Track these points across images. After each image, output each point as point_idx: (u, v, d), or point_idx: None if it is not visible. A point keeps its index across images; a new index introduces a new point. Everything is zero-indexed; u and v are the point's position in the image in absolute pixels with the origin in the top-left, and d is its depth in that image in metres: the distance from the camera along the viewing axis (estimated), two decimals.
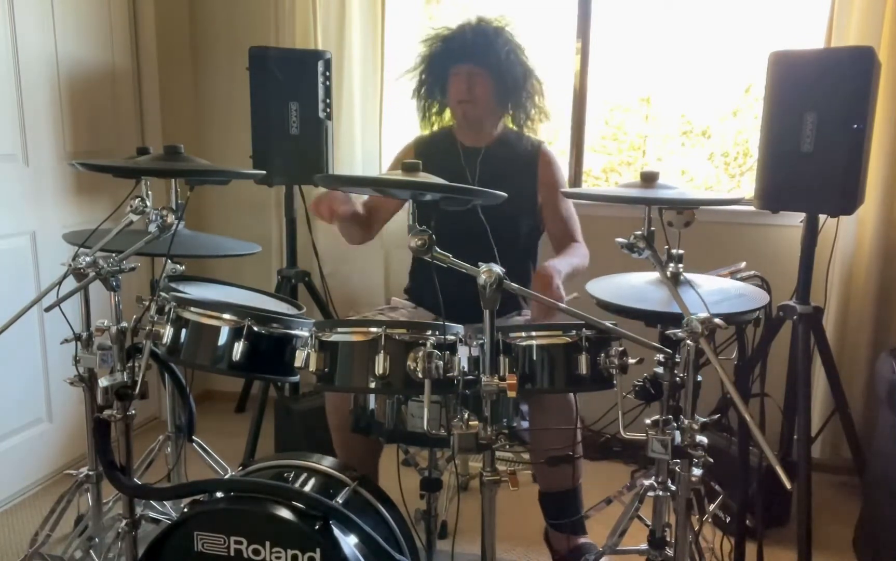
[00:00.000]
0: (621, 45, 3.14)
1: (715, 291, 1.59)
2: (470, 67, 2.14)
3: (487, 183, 1.59)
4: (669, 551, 1.65)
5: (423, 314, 2.23)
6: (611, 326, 1.47)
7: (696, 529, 1.58)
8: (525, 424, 1.94)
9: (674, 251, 1.56)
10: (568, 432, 1.88)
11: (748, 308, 1.56)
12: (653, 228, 1.52)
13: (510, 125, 2.30)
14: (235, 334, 1.52)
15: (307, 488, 1.54)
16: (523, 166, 2.23)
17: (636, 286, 1.65)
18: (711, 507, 1.81)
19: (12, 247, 2.52)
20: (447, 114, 2.30)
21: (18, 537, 2.32)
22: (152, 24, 3.05)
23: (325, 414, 2.03)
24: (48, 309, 1.60)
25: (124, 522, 1.63)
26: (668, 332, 1.45)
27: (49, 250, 2.61)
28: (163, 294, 1.60)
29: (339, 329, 1.46)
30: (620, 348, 1.48)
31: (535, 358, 1.49)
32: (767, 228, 2.83)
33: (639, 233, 1.50)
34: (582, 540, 2.04)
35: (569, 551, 2.02)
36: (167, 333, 1.56)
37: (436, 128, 2.34)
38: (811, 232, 2.31)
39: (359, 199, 2.32)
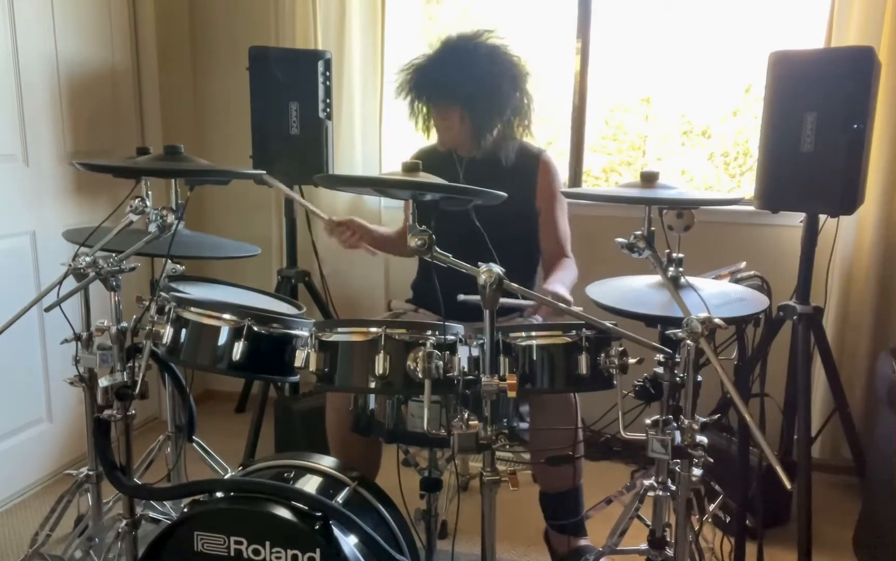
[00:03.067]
0: (621, 45, 3.14)
1: (715, 295, 1.58)
2: (440, 105, 2.14)
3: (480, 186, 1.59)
4: (669, 551, 1.65)
5: (424, 317, 2.23)
6: (611, 325, 1.47)
7: (696, 529, 1.58)
8: (525, 426, 1.94)
9: (674, 255, 1.56)
10: (568, 432, 1.88)
11: (748, 312, 1.56)
12: (653, 228, 1.52)
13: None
14: (235, 334, 1.52)
15: (307, 488, 1.54)
16: (521, 172, 2.22)
17: (637, 289, 1.65)
18: (711, 507, 1.82)
19: (12, 247, 2.52)
20: None
21: (18, 537, 2.32)
22: (152, 24, 3.05)
23: (325, 414, 2.03)
24: (48, 309, 1.60)
25: (124, 522, 1.63)
26: (668, 332, 1.45)
27: (49, 250, 2.61)
28: (163, 294, 1.60)
29: (339, 329, 1.46)
30: (620, 348, 1.48)
31: (535, 358, 1.49)
32: (767, 228, 2.83)
33: (639, 233, 1.50)
34: (582, 542, 2.04)
35: (568, 553, 2.02)
36: (167, 333, 1.56)
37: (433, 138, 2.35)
38: (811, 232, 2.31)
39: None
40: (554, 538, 2.08)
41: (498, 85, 2.11)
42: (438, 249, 1.38)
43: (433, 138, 2.31)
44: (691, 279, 1.59)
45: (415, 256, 2.41)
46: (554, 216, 2.24)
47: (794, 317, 2.27)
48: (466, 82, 2.08)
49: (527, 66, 2.18)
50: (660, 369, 1.51)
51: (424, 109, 2.22)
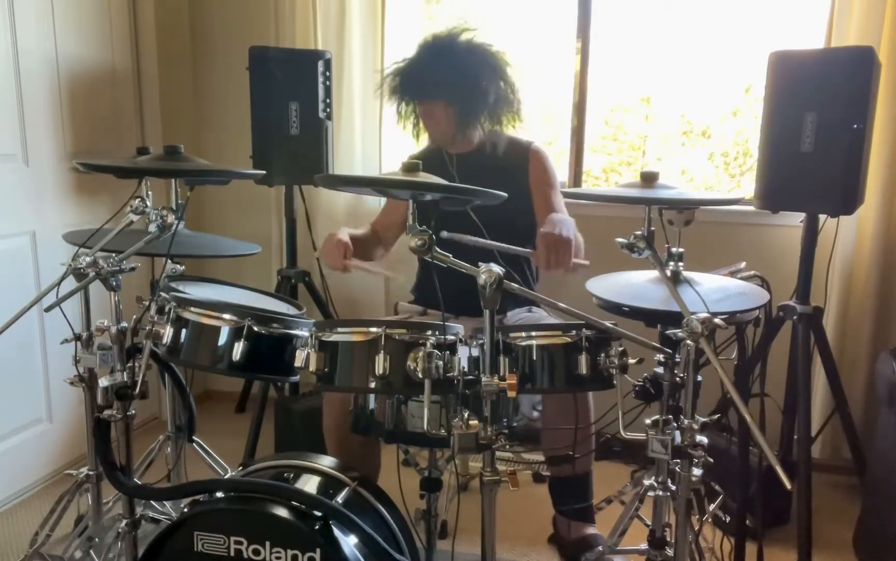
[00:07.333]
0: (621, 45, 3.14)
1: (715, 290, 1.59)
2: (425, 104, 2.20)
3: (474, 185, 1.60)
4: (669, 551, 1.65)
5: (432, 318, 2.23)
6: (611, 326, 1.47)
7: (696, 529, 1.58)
8: (537, 414, 1.94)
9: (674, 250, 1.56)
10: (580, 421, 1.88)
11: (748, 307, 1.56)
12: (653, 228, 1.52)
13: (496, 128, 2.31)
14: (235, 334, 1.52)
15: (307, 488, 1.54)
16: (512, 166, 2.24)
17: (636, 285, 1.65)
18: (711, 507, 1.81)
19: (12, 247, 2.51)
20: None
21: (18, 537, 2.32)
22: (152, 24, 3.05)
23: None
24: (48, 309, 1.60)
25: (124, 522, 1.63)
26: (668, 332, 1.45)
27: (49, 250, 2.61)
28: (163, 294, 1.60)
29: (339, 329, 1.46)
30: (620, 348, 1.48)
31: (535, 358, 1.49)
32: (767, 228, 2.83)
33: (639, 233, 1.50)
34: (590, 530, 2.04)
35: (576, 540, 2.02)
36: (167, 332, 1.56)
37: (425, 141, 2.37)
38: (811, 232, 2.31)
39: (359, 229, 2.37)
40: (561, 524, 2.08)
41: (477, 74, 2.16)
42: (438, 250, 1.38)
43: (423, 141, 2.33)
44: (690, 274, 1.59)
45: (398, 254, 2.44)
46: (551, 200, 2.24)
47: (794, 317, 2.27)
48: (447, 75, 2.14)
49: (506, 57, 2.22)
50: (660, 369, 1.51)
51: (412, 112, 2.27)
